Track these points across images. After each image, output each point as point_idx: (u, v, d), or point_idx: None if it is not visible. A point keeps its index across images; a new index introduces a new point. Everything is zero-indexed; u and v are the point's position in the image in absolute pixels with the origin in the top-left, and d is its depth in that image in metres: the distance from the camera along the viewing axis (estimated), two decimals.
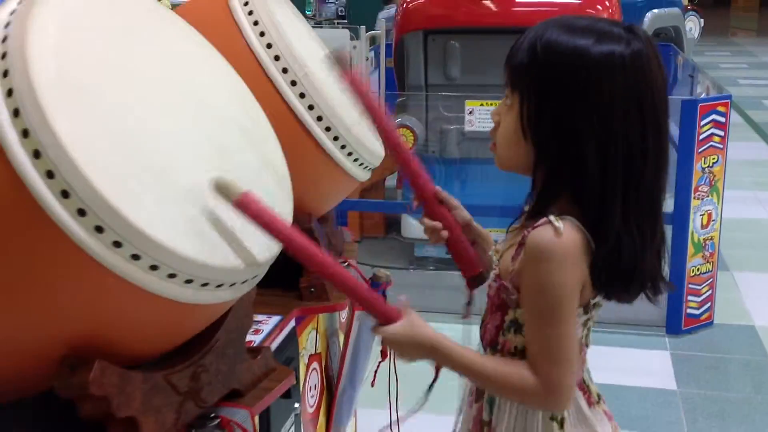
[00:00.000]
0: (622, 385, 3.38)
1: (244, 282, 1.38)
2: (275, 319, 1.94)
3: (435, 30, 4.37)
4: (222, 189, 1.33)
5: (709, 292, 4.18)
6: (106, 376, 1.26)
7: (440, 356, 1.42)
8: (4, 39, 1.21)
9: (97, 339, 1.27)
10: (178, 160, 1.33)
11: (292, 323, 1.99)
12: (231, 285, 1.34)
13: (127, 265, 1.19)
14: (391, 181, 5.30)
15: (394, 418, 2.19)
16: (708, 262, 4.18)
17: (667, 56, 6.06)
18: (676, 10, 9.41)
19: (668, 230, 3.91)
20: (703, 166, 4.06)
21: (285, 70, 1.91)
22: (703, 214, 4.15)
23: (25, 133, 1.15)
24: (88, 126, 1.19)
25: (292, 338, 1.98)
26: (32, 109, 1.15)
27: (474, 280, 1.63)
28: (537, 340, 1.36)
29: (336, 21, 7.98)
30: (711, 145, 4.06)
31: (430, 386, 1.53)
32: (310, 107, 1.92)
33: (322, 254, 1.39)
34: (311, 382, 2.14)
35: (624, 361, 3.63)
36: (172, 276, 1.23)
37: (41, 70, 1.17)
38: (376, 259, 4.82)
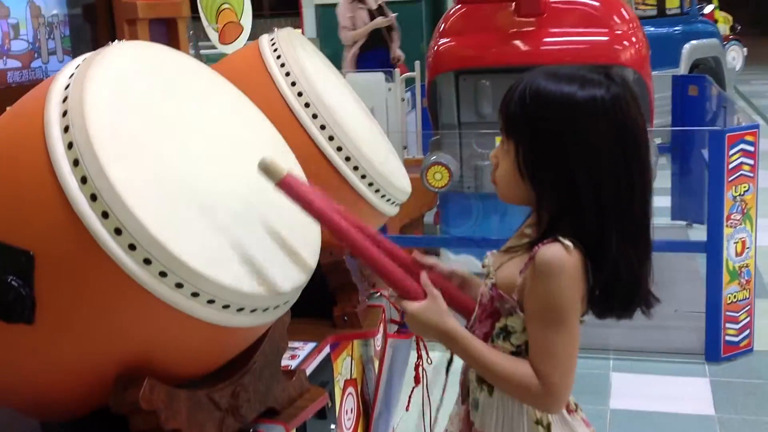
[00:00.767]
0: (661, 412, 3.46)
1: (276, 307, 1.53)
2: (310, 345, 2.09)
3: (466, 70, 4.53)
4: (267, 169, 1.50)
5: (747, 319, 4.23)
6: (154, 393, 1.42)
7: (452, 341, 1.55)
8: (65, 99, 1.40)
9: (146, 359, 1.44)
10: (216, 199, 1.50)
11: (327, 349, 2.14)
12: (264, 310, 1.50)
13: (172, 293, 1.36)
14: (429, 217, 5.44)
15: None
16: (744, 289, 4.23)
17: (702, 87, 6.14)
18: (714, 40, 9.49)
19: (701, 258, 4.00)
20: (735, 194, 4.14)
21: (315, 116, 2.08)
22: (737, 242, 4.21)
23: (83, 180, 1.33)
24: (137, 172, 1.37)
25: (327, 363, 2.13)
26: (89, 159, 1.33)
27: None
28: (542, 345, 1.48)
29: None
30: (741, 174, 4.13)
31: (447, 368, 1.66)
32: (339, 149, 2.09)
33: (357, 235, 1.56)
34: (347, 405, 2.28)
35: (663, 388, 3.71)
36: (211, 302, 1.39)
37: (97, 125, 1.35)
38: None
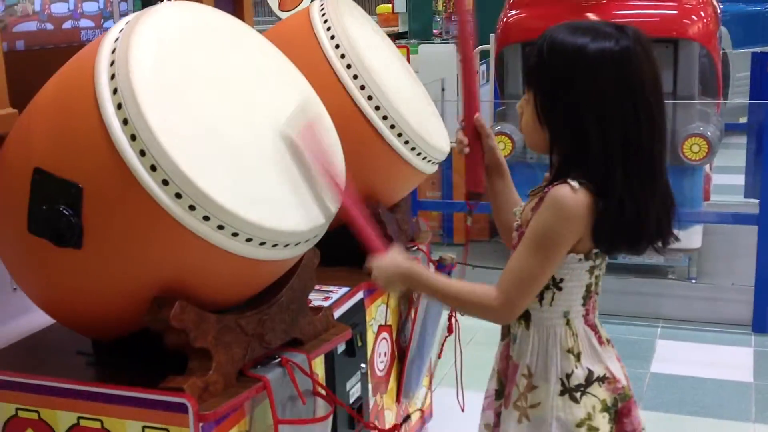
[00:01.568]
0: (698, 377, 3.53)
1: (297, 244, 1.69)
2: (344, 289, 2.26)
3: (532, 42, 4.58)
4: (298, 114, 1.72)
5: None
6: (185, 313, 1.61)
7: (415, 281, 1.69)
8: (113, 51, 1.58)
9: (180, 285, 1.62)
10: (246, 144, 1.66)
11: (360, 295, 2.30)
12: (285, 245, 1.66)
13: (199, 224, 1.53)
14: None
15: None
16: None
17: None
18: None
19: (754, 231, 4.00)
20: None
21: (355, 77, 2.23)
22: None
23: (125, 122, 1.51)
24: (173, 116, 1.55)
25: (359, 307, 2.29)
26: (131, 103, 1.51)
27: (472, 195, 1.87)
28: (515, 261, 1.60)
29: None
30: None
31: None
32: (377, 108, 2.24)
33: (345, 192, 1.77)
34: (380, 349, 2.44)
35: (706, 355, 3.75)
36: (234, 234, 1.57)
37: (139, 74, 1.53)
38: (481, 261, 5.06)
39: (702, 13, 4.44)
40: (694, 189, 4.46)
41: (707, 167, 4.86)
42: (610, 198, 1.56)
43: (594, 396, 1.64)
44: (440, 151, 2.43)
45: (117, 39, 1.61)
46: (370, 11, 10.75)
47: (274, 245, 1.64)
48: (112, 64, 1.56)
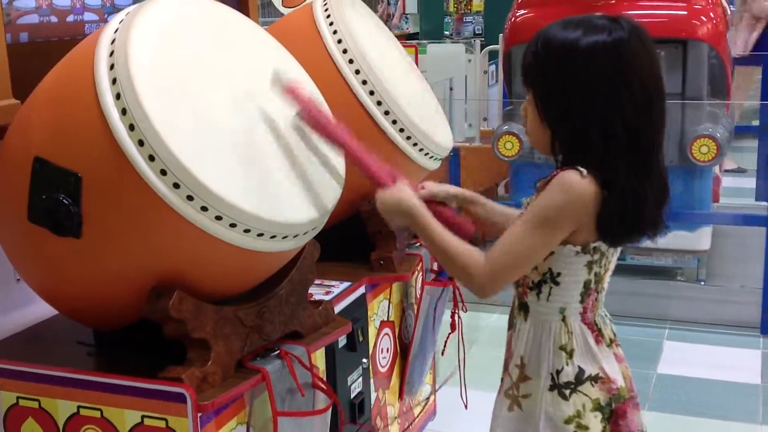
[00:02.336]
0: (705, 378, 3.51)
1: (295, 236, 1.70)
2: (346, 284, 2.26)
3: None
4: (276, 80, 1.74)
5: None
6: (183, 303, 1.62)
7: (414, 221, 1.67)
8: (113, 41, 1.59)
9: (179, 275, 1.63)
10: (245, 135, 1.67)
11: (362, 290, 2.31)
12: (283, 237, 1.67)
13: (197, 215, 1.54)
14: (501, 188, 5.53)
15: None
16: None
17: None
18: None
19: (763, 234, 3.98)
20: None
21: (357, 72, 2.24)
22: None
23: (124, 112, 1.52)
24: (172, 106, 1.56)
25: (361, 302, 2.29)
26: (130, 93, 1.52)
27: (472, 242, 1.87)
28: (510, 237, 1.58)
29: (473, 39, 8.22)
30: None
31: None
32: (379, 103, 2.25)
33: (343, 133, 1.78)
34: (383, 344, 2.44)
35: (713, 357, 3.73)
36: (233, 225, 1.57)
37: (137, 64, 1.54)
38: None
39: (711, 14, 4.42)
40: (702, 190, 4.44)
41: (716, 169, 4.84)
42: (614, 191, 1.55)
43: (585, 395, 1.63)
44: (443, 147, 2.43)
45: (117, 30, 1.62)
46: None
47: (273, 237, 1.64)
48: (111, 54, 1.57)
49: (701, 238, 4.39)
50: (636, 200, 1.57)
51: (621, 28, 1.58)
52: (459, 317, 2.58)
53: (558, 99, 1.60)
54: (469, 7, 9.50)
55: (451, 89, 4.75)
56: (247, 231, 1.60)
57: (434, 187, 1.83)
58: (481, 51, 5.78)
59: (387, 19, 10.58)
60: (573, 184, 1.54)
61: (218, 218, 1.56)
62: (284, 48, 1.96)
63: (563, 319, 1.65)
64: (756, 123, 6.55)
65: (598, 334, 1.69)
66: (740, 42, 6.37)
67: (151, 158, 1.51)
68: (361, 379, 2.26)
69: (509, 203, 5.10)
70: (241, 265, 1.70)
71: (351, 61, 2.24)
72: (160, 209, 1.53)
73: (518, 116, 4.70)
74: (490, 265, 1.58)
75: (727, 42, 4.59)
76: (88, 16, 2.24)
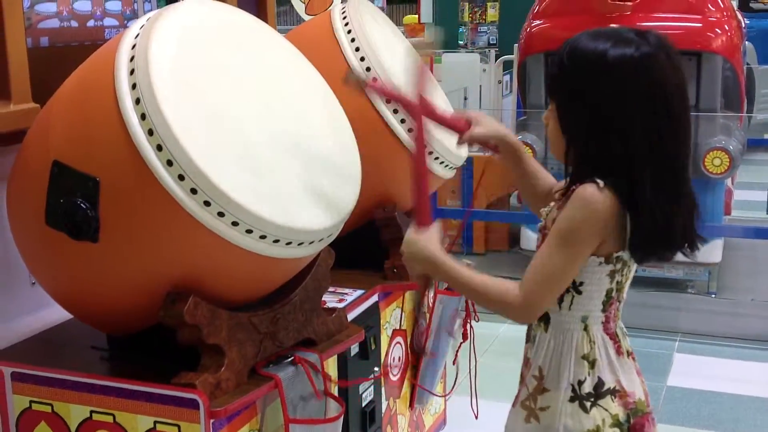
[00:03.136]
0: (715, 391, 3.50)
1: (311, 243, 1.70)
2: (359, 292, 2.26)
3: (555, 52, 4.58)
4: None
5: None
6: (198, 309, 1.62)
7: (437, 268, 1.65)
8: (133, 46, 1.60)
9: (195, 281, 1.63)
10: (264, 141, 1.67)
11: (375, 298, 2.30)
12: (299, 244, 1.67)
13: (214, 220, 1.54)
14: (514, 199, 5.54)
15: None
16: None
17: None
18: None
19: None
20: None
21: (375, 80, 2.23)
22: None
23: (143, 117, 1.53)
24: (191, 112, 1.56)
25: (374, 310, 2.29)
26: (149, 98, 1.52)
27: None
28: (539, 259, 1.57)
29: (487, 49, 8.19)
30: None
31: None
32: (395, 111, 2.25)
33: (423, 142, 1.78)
34: (395, 353, 2.44)
35: (724, 370, 3.73)
36: (249, 231, 1.57)
37: (157, 70, 1.55)
38: (499, 270, 5.05)
39: (726, 27, 4.42)
40: (714, 203, 4.44)
41: (729, 182, 4.83)
42: (642, 208, 1.55)
43: (605, 410, 1.61)
44: (458, 156, 2.43)
45: (137, 35, 1.62)
46: (397, 22, 10.79)
47: (288, 243, 1.64)
48: (132, 59, 1.58)
49: (712, 251, 4.38)
50: (664, 216, 1.56)
51: (648, 43, 1.57)
52: (471, 327, 2.57)
53: (582, 109, 1.60)
54: (483, 17, 9.52)
55: (465, 99, 4.76)
56: (263, 237, 1.60)
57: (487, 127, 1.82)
58: (495, 61, 5.79)
59: None
60: (593, 200, 1.53)
61: (235, 224, 1.56)
62: (303, 55, 1.96)
63: (585, 329, 1.64)
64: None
65: (619, 346, 1.68)
66: None
67: (170, 163, 1.51)
68: (372, 388, 2.26)
69: (523, 213, 5.17)
70: (257, 272, 1.70)
71: (368, 69, 2.25)
72: (178, 214, 1.54)
73: (532, 126, 4.72)
74: (524, 294, 1.57)
75: (741, 54, 4.59)
76: (109, 21, 2.25)
